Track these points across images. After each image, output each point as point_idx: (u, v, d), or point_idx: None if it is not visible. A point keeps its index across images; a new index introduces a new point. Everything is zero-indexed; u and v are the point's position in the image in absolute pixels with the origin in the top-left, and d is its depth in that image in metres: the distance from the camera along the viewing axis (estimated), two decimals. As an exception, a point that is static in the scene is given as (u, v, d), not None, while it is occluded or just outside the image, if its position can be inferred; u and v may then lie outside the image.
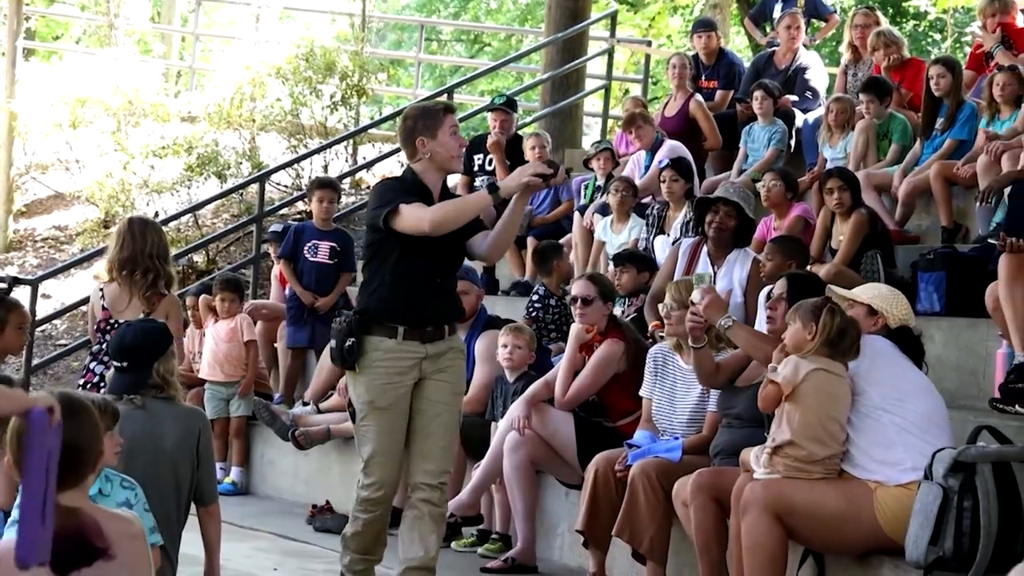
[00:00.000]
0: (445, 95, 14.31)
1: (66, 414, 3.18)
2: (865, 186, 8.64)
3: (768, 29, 12.82)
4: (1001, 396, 6.29)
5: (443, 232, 5.68)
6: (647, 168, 10.08)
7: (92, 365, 6.66)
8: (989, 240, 7.46)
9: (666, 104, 11.05)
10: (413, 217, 5.66)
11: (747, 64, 11.99)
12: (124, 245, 6.59)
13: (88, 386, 6.46)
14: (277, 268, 10.59)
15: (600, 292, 7.20)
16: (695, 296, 6.08)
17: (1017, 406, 6.16)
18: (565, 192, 10.70)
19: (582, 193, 10.53)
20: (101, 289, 6.70)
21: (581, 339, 7.16)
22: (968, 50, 10.89)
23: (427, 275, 5.84)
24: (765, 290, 7.38)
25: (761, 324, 7.28)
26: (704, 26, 12.13)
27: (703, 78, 11.54)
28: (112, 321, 6.55)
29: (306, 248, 9.94)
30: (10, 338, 6.21)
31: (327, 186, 10.27)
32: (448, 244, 5.82)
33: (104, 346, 6.47)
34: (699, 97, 10.89)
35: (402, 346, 5.80)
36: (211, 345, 9.75)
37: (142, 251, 6.54)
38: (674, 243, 8.49)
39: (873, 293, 5.78)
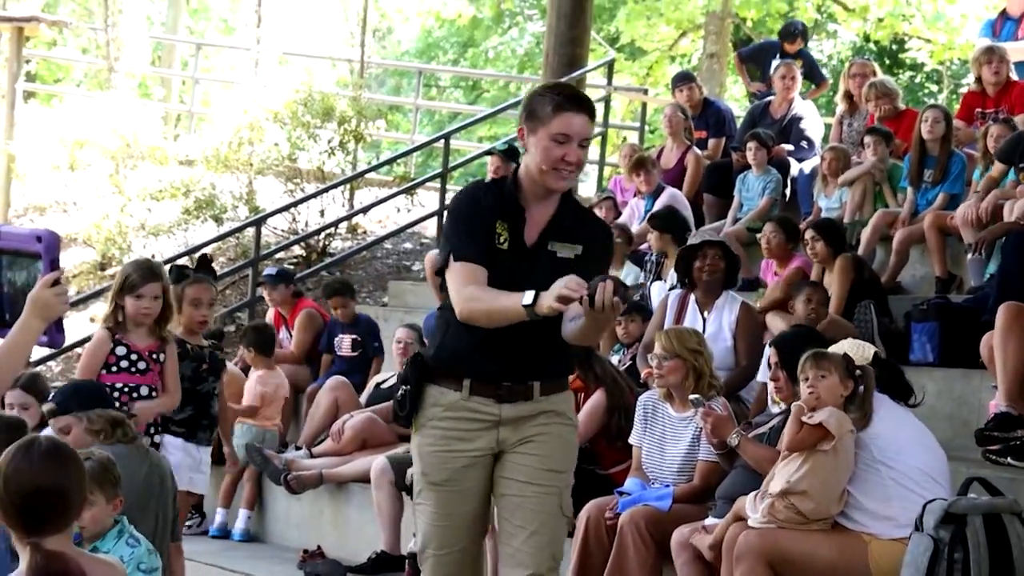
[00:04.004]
0: (442, 141, 14.36)
1: (53, 460, 3.19)
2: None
3: (759, 76, 12.92)
4: (977, 441, 6.27)
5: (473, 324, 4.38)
6: (646, 213, 10.10)
7: None
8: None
9: (659, 155, 11.07)
10: (452, 286, 4.40)
11: (735, 110, 12.04)
12: None
13: None
14: (272, 312, 10.57)
15: None
16: (698, 421, 6.12)
17: (1010, 458, 6.14)
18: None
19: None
20: None
21: None
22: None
23: None
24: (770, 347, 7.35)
25: (763, 373, 7.27)
26: (684, 79, 12.21)
27: (693, 128, 11.60)
28: None
29: (334, 343, 10.14)
30: (185, 314, 6.45)
31: (337, 294, 10.20)
32: (536, 280, 4.22)
33: None
34: (697, 151, 10.93)
35: (469, 403, 4.45)
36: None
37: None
38: (671, 289, 8.48)
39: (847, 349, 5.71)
